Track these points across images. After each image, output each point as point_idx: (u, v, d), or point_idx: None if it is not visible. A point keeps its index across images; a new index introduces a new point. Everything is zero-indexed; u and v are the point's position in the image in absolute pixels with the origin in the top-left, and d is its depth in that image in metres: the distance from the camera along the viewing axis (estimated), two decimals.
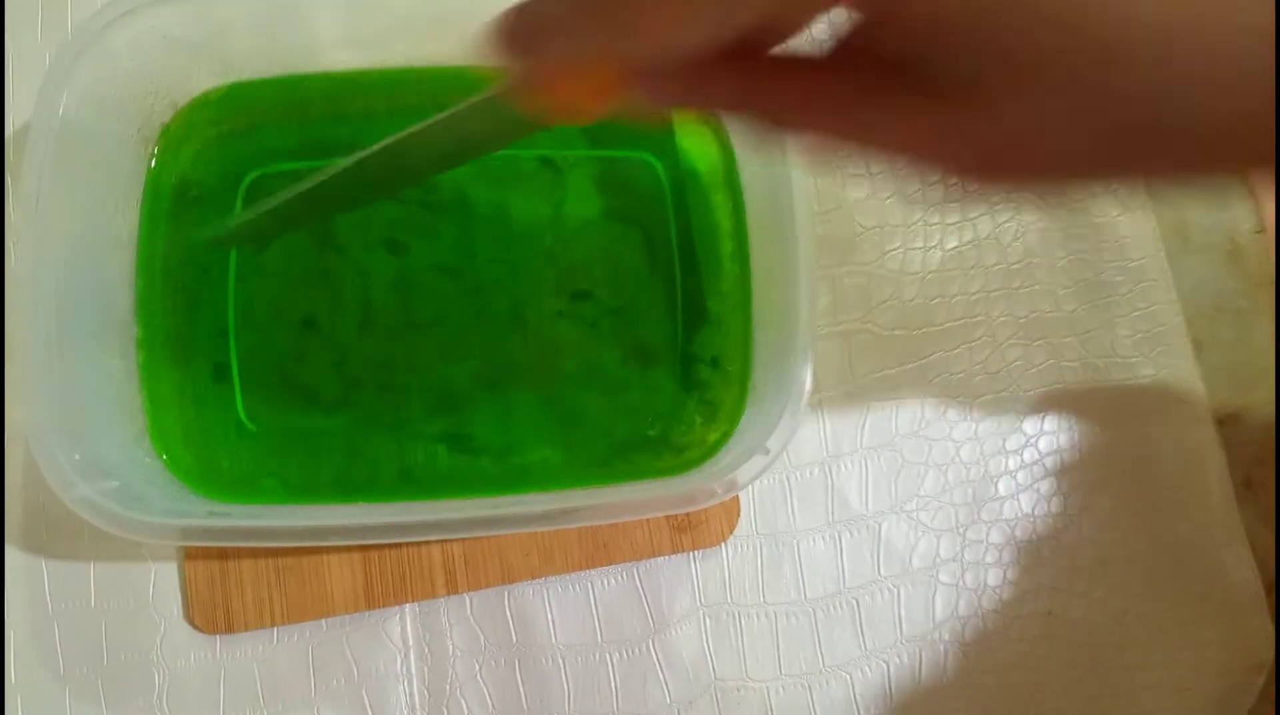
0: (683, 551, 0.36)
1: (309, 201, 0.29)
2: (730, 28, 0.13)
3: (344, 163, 0.27)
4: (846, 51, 0.15)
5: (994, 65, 0.13)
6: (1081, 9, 0.12)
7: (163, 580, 0.35)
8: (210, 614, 0.35)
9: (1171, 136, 0.13)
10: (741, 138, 0.36)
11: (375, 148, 0.26)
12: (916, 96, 0.14)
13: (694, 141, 0.37)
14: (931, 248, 0.39)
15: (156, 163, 0.35)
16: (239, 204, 0.36)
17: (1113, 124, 0.13)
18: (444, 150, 0.26)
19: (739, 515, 0.37)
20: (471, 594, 0.36)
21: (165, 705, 0.34)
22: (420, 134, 0.24)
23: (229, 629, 0.35)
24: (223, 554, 0.35)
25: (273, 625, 0.35)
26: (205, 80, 0.35)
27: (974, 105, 0.14)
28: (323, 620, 0.35)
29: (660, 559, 0.36)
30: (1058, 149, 0.14)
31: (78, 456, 0.29)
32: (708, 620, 0.36)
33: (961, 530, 0.38)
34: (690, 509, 0.30)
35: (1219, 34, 0.12)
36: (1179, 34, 0.12)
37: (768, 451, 0.30)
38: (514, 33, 0.16)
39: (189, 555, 0.35)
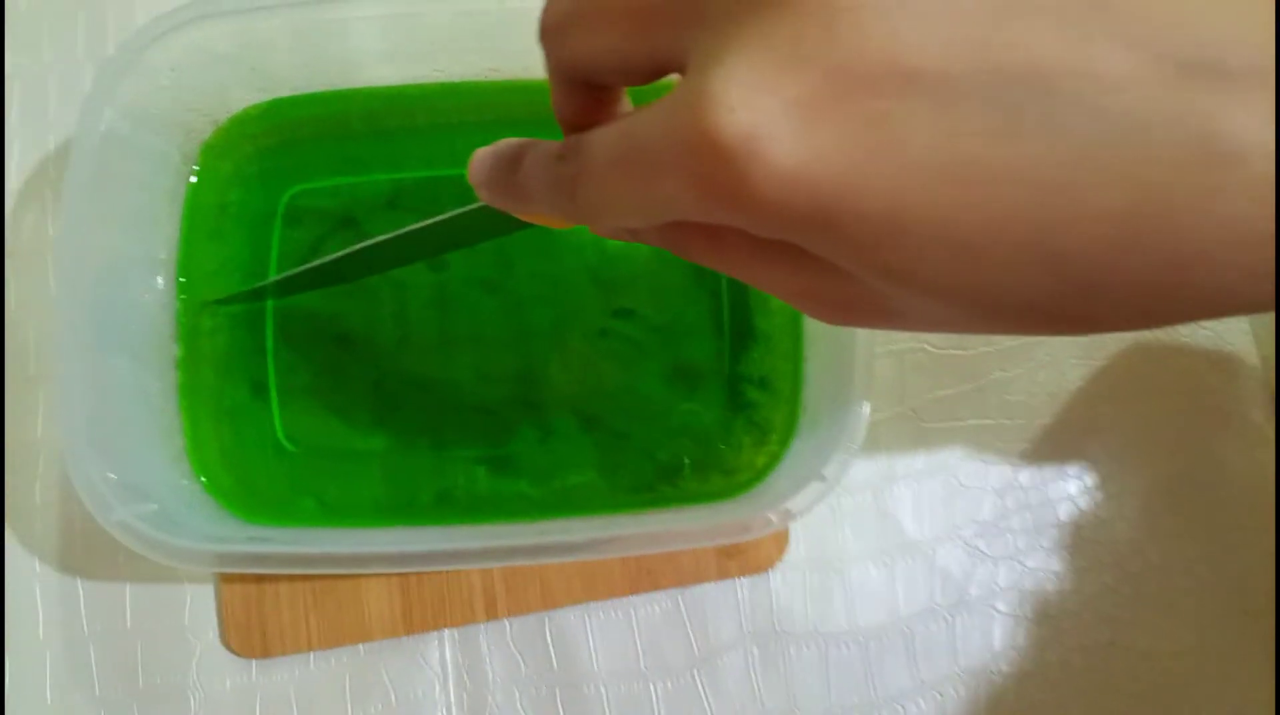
0: (729, 578, 0.35)
1: (334, 269, 0.34)
2: (649, 221, 0.17)
3: (359, 246, 0.32)
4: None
5: (844, 257, 0.15)
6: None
7: (198, 602, 0.34)
8: (246, 637, 0.34)
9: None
10: None
11: (389, 236, 0.31)
12: (797, 265, 0.17)
13: None
14: None
15: (197, 180, 0.35)
16: (278, 221, 0.35)
17: (968, 305, 0.15)
18: (454, 237, 0.32)
19: (788, 541, 0.35)
20: (511, 619, 0.35)
21: None
22: (434, 226, 0.30)
23: (265, 653, 0.34)
24: (259, 577, 0.34)
25: (309, 650, 0.34)
26: (246, 97, 0.35)
27: (825, 270, 0.16)
28: (360, 645, 0.34)
29: (706, 585, 0.35)
30: (911, 313, 0.16)
31: (115, 479, 0.28)
32: (755, 649, 0.35)
33: (1020, 557, 0.36)
34: (744, 538, 0.29)
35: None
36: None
37: (824, 479, 0.29)
38: (486, 184, 0.21)
39: (225, 577, 0.34)
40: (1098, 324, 0.15)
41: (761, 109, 0.14)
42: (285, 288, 0.35)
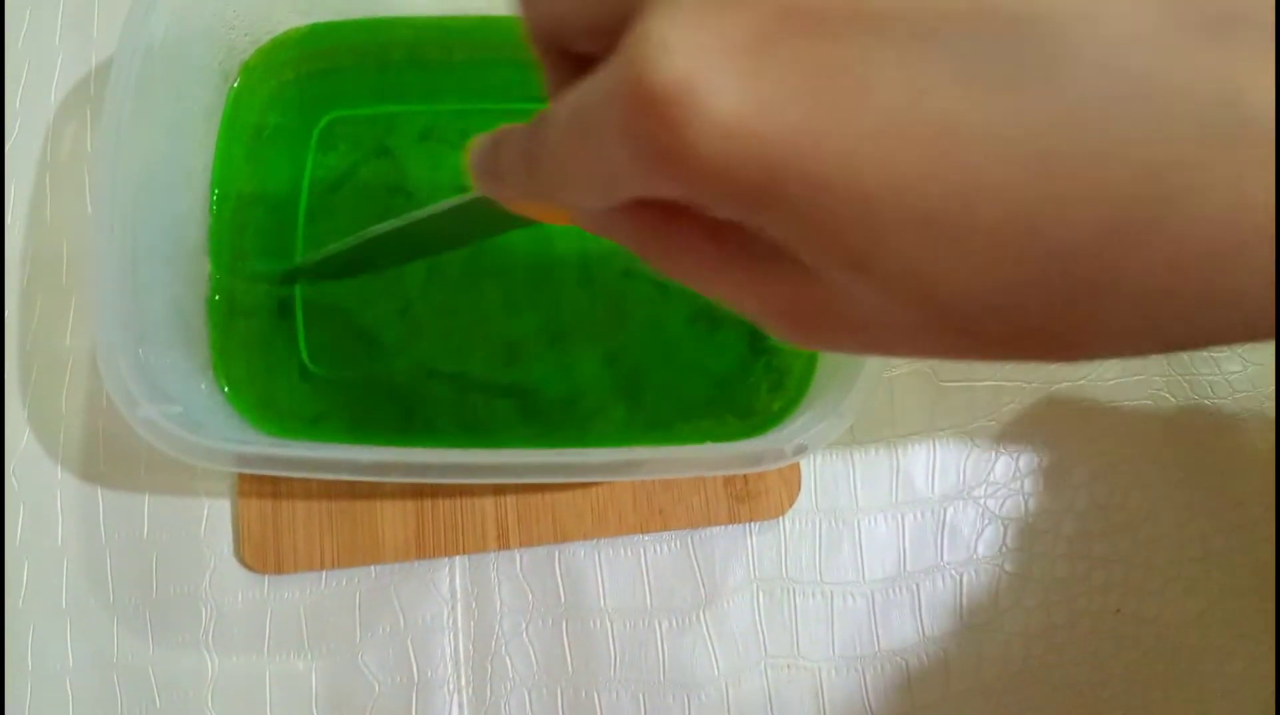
0: (740, 522, 0.35)
1: (353, 257, 0.34)
2: (614, 198, 0.15)
3: (375, 230, 0.32)
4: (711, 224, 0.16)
5: (798, 239, 0.13)
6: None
7: (215, 516, 0.35)
8: (261, 552, 0.34)
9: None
10: None
11: (393, 224, 0.31)
12: (753, 264, 0.15)
13: None
14: None
15: (235, 99, 0.35)
16: (313, 146, 0.36)
17: (933, 315, 0.13)
18: (449, 233, 0.32)
19: (799, 489, 0.36)
20: (522, 550, 0.35)
21: (210, 641, 0.34)
22: (431, 217, 0.29)
23: (278, 569, 0.34)
24: (276, 493, 0.34)
25: (322, 568, 0.34)
26: (289, 18, 0.35)
27: (785, 271, 0.14)
28: (372, 567, 0.35)
29: (716, 528, 0.36)
30: (879, 325, 0.14)
31: (143, 379, 0.29)
32: (761, 595, 0.35)
33: (1031, 519, 0.36)
34: (756, 469, 0.29)
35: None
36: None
37: (842, 416, 0.29)
38: (476, 169, 0.20)
39: (242, 492, 0.34)
40: (1089, 345, 0.13)
41: (701, 50, 0.12)
42: (309, 272, 0.35)
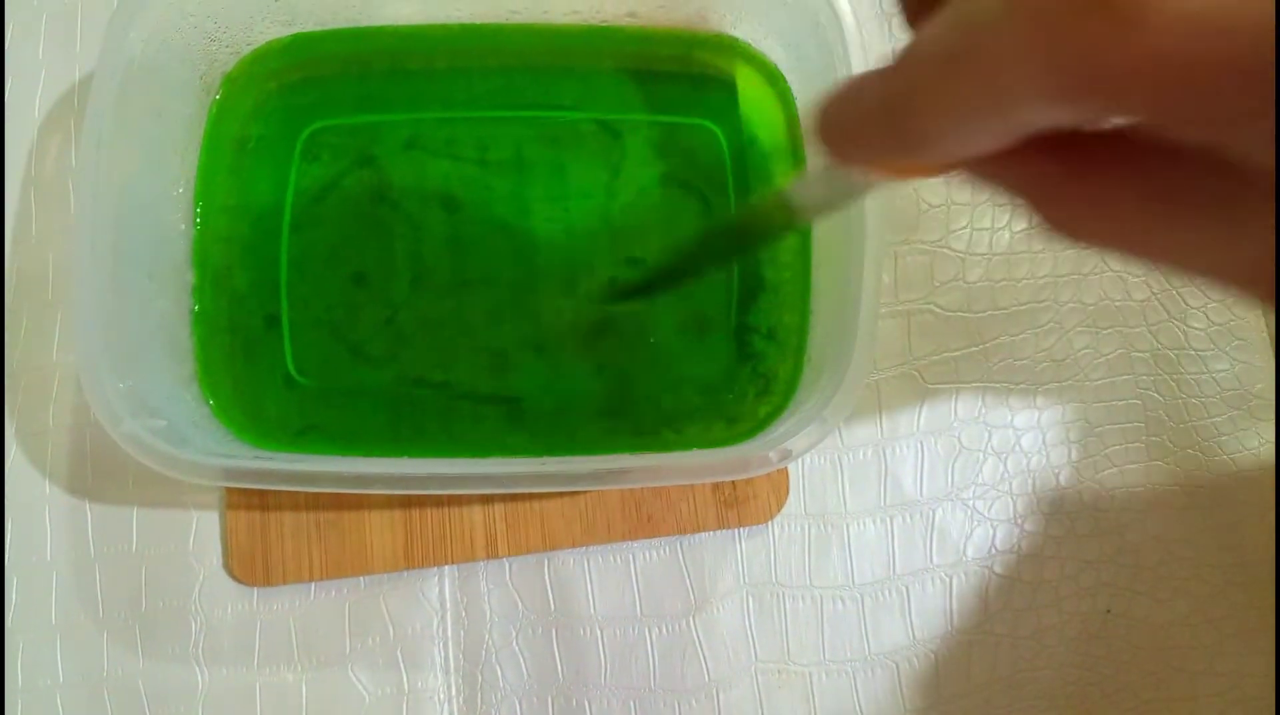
0: (728, 527, 0.35)
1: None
2: (1006, 138, 0.12)
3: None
4: (1153, 146, 0.13)
5: None
6: None
7: (203, 528, 0.35)
8: (249, 565, 0.34)
9: None
10: (806, 107, 0.35)
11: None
12: (1229, 211, 0.12)
13: (757, 109, 0.36)
14: (999, 228, 0.38)
15: (217, 111, 0.35)
16: (297, 156, 0.36)
17: None
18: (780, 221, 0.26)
19: (787, 493, 0.36)
20: (511, 559, 0.35)
21: (200, 654, 0.34)
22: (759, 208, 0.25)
23: (267, 581, 0.34)
24: (264, 505, 0.34)
25: (311, 580, 0.34)
26: (270, 30, 0.35)
27: (1254, 222, 0.11)
28: (361, 577, 0.35)
29: (705, 534, 0.36)
30: None
31: (127, 393, 0.29)
32: (751, 600, 0.35)
33: (1020, 521, 0.36)
34: (742, 476, 0.29)
35: None
36: None
37: (825, 421, 0.29)
38: (826, 134, 0.16)
39: (230, 505, 0.34)
40: None
41: None
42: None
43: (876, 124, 0.14)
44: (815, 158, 0.17)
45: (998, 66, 0.11)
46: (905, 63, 0.13)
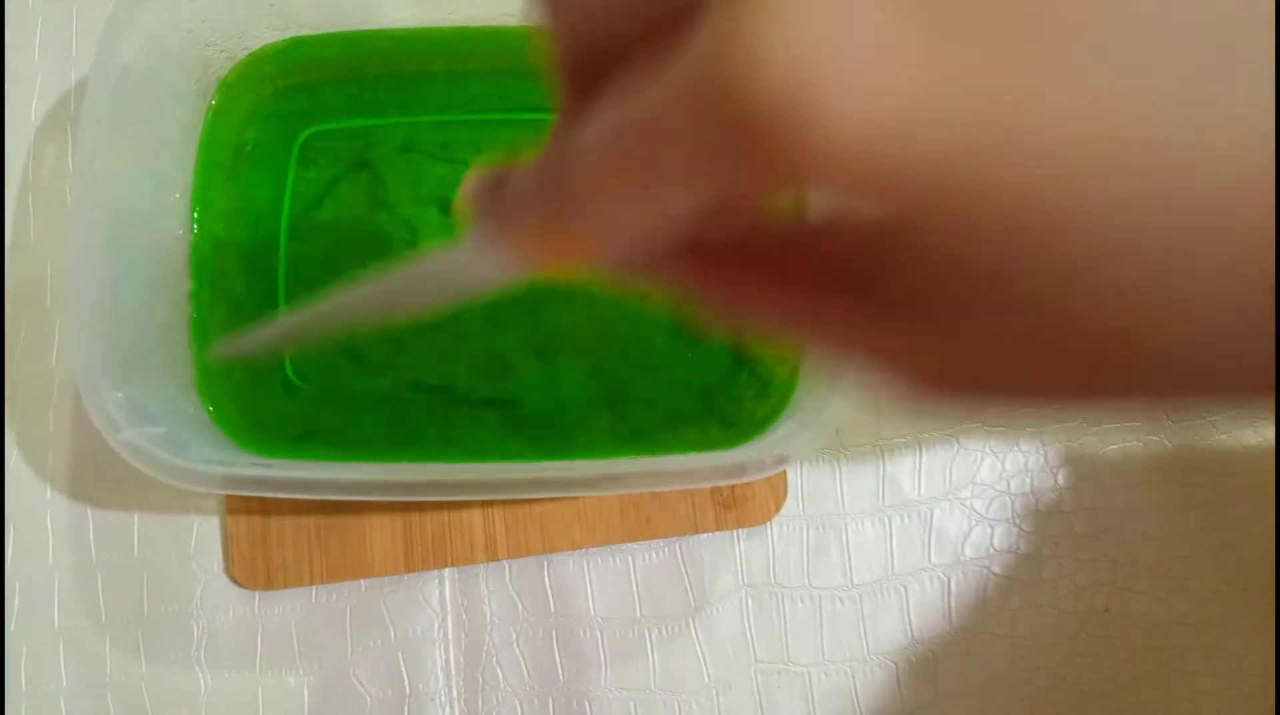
0: (727, 529, 0.35)
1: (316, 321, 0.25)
2: (670, 223, 0.12)
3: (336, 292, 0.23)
4: (801, 245, 0.13)
5: (943, 278, 0.10)
6: (1040, 209, 0.09)
7: (204, 533, 0.35)
8: (250, 569, 0.34)
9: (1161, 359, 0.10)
10: None
11: (361, 286, 0.22)
12: (866, 304, 0.12)
13: None
14: None
15: (213, 116, 0.35)
16: (293, 161, 0.36)
17: (1079, 349, 0.10)
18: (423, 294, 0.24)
19: (785, 494, 0.36)
20: (511, 561, 0.35)
21: (202, 658, 0.34)
22: (402, 275, 0.22)
23: (268, 585, 0.34)
24: (264, 510, 0.34)
25: (312, 584, 0.35)
26: (265, 34, 0.35)
27: (922, 321, 0.12)
28: (361, 581, 0.35)
29: (703, 536, 0.36)
30: (1020, 370, 0.11)
31: (125, 401, 0.29)
32: (750, 600, 0.36)
33: (1018, 520, 0.36)
34: (739, 480, 0.29)
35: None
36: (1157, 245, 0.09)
37: (822, 426, 0.29)
38: (477, 203, 0.16)
39: (231, 509, 0.35)
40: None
41: (831, 11, 0.09)
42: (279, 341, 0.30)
43: (531, 202, 0.14)
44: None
45: (661, 133, 0.10)
46: (566, 145, 0.12)
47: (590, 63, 0.14)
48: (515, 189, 0.15)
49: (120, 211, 0.31)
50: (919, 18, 0.08)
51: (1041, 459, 0.37)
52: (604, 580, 0.35)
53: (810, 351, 0.13)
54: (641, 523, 0.35)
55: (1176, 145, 0.08)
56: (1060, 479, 0.37)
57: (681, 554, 0.36)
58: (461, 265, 0.19)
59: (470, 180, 0.16)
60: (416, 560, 0.35)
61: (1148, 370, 0.10)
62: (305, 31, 0.35)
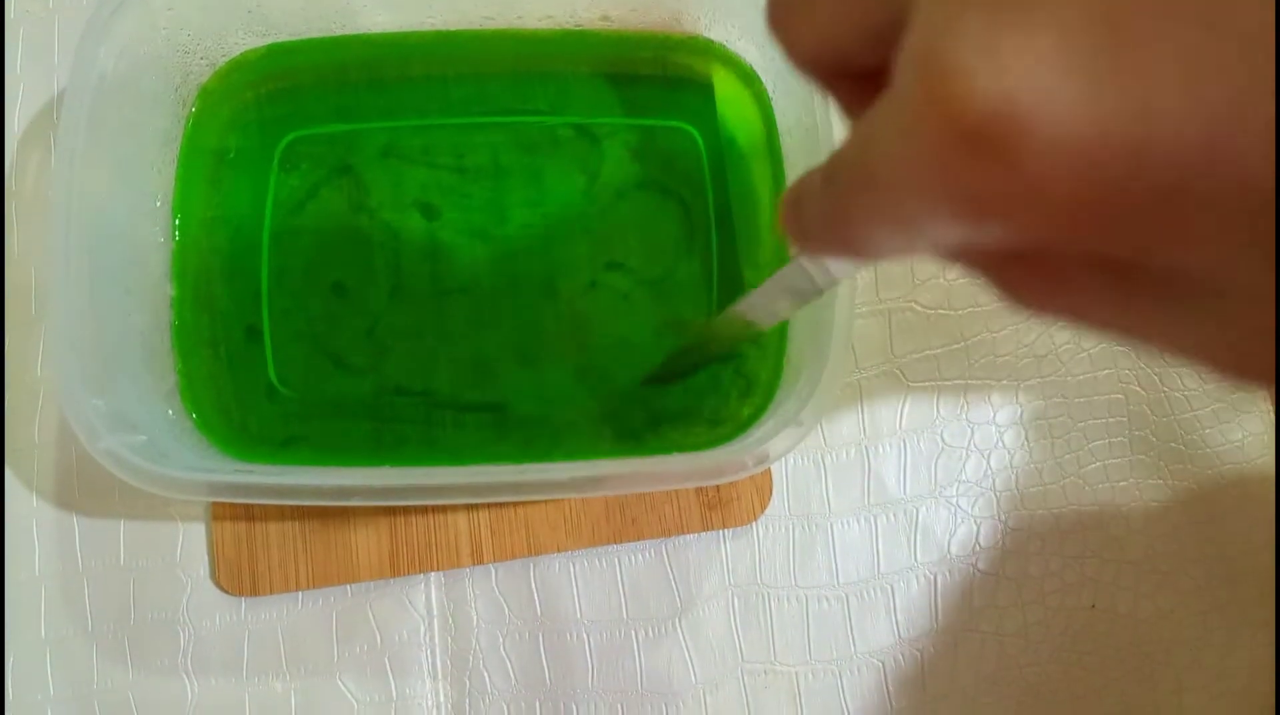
0: (712, 530, 0.35)
1: None
2: (933, 249, 0.13)
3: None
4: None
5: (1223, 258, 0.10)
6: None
7: (190, 540, 0.35)
8: (236, 576, 0.34)
9: None
10: (782, 107, 0.35)
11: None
12: (1158, 299, 0.12)
13: (734, 110, 0.36)
14: None
15: (194, 123, 0.35)
16: (275, 167, 0.36)
17: None
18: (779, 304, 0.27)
19: (771, 494, 0.36)
20: (497, 565, 0.35)
21: (189, 665, 0.34)
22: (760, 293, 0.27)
23: (254, 591, 0.34)
24: (249, 516, 0.34)
25: (298, 589, 0.35)
26: (244, 41, 0.35)
27: (1191, 304, 0.11)
28: (347, 586, 0.35)
29: (689, 536, 0.36)
30: None
31: (106, 409, 0.29)
32: (736, 601, 0.36)
33: (1003, 517, 0.36)
34: (719, 481, 0.29)
35: None
36: None
37: (800, 425, 0.29)
38: (788, 228, 0.17)
39: (216, 516, 0.35)
40: None
41: (1018, 49, 0.09)
42: None
43: (821, 228, 0.15)
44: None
45: (899, 196, 0.11)
46: (832, 175, 0.14)
47: (828, 66, 0.15)
48: (806, 214, 0.16)
49: (100, 220, 0.31)
50: (1100, 53, 0.09)
51: (1028, 456, 0.37)
52: (590, 582, 0.35)
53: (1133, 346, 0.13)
54: (627, 524, 0.35)
55: None
56: (1046, 476, 0.37)
57: (667, 555, 0.36)
58: (794, 277, 0.24)
59: (784, 198, 0.17)
60: (402, 565, 0.35)
61: None
62: (285, 37, 0.35)
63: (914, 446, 0.37)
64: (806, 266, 0.23)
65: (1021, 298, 0.14)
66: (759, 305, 0.27)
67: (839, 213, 0.14)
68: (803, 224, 0.16)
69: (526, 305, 0.35)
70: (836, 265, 0.22)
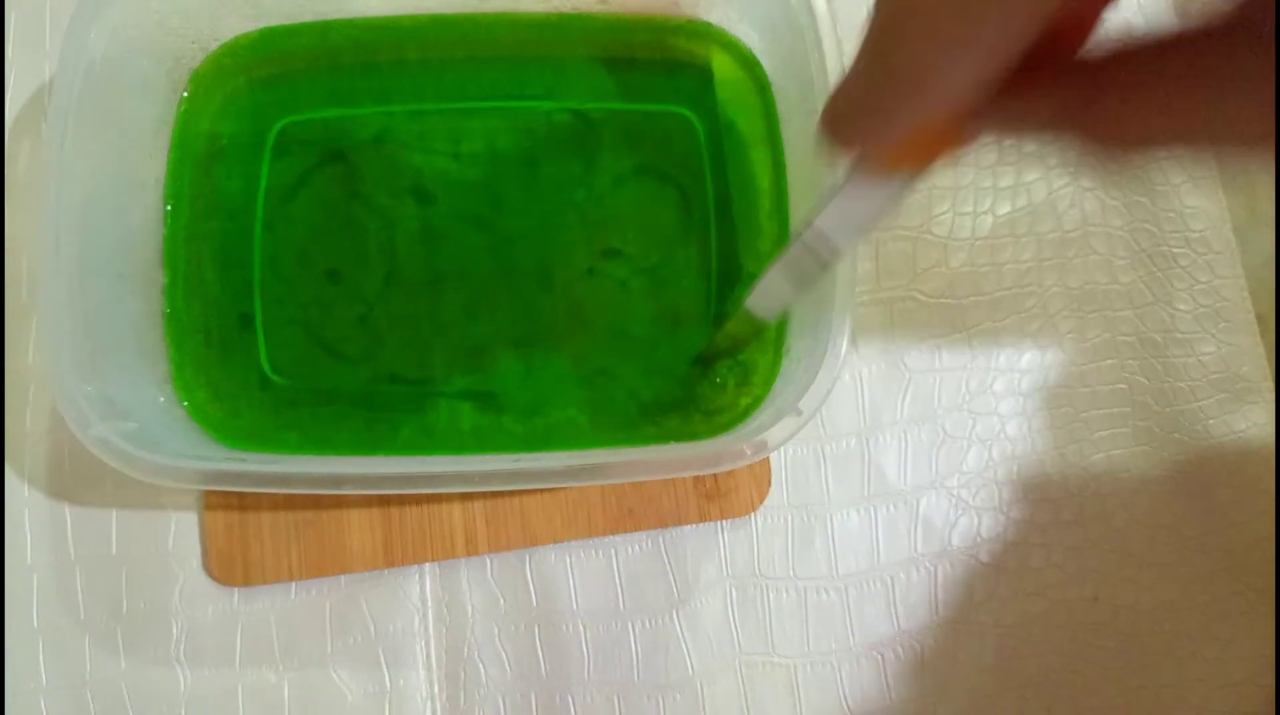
0: (710, 520, 0.35)
1: None
2: (995, 51, 0.12)
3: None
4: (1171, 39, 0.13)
5: None
6: None
7: (182, 530, 0.35)
8: (229, 565, 0.34)
9: None
10: (783, 92, 0.35)
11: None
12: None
13: (733, 95, 0.36)
14: (982, 213, 0.37)
15: (185, 108, 0.35)
16: (267, 152, 0.35)
17: None
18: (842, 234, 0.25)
19: (769, 485, 0.35)
20: (492, 556, 0.35)
21: (182, 655, 0.34)
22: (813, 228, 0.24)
23: (247, 581, 0.34)
24: (242, 505, 0.34)
25: (291, 580, 0.34)
26: (237, 25, 0.35)
27: None
28: (341, 576, 0.34)
29: (687, 527, 0.35)
30: None
31: (96, 396, 0.29)
32: (734, 592, 0.35)
33: (1005, 509, 0.36)
34: (717, 469, 0.29)
35: None
36: None
37: (799, 413, 0.28)
38: (831, 124, 0.16)
39: (208, 505, 0.34)
40: None
41: None
42: None
43: (871, 96, 0.14)
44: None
45: None
46: (877, 28, 0.13)
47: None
48: (850, 95, 0.15)
49: (90, 206, 0.31)
50: None
51: (1029, 446, 0.36)
52: (586, 573, 0.35)
53: (1207, 155, 0.12)
54: (624, 515, 0.35)
55: None
56: (1048, 466, 0.36)
57: (665, 546, 0.35)
58: (858, 198, 0.20)
59: (819, 121, 0.16)
60: (397, 555, 0.34)
61: None
62: (278, 21, 0.35)
63: (915, 437, 0.36)
64: (809, 241, 0.22)
65: (1107, 132, 0.13)
66: (764, 293, 0.27)
67: (890, 55, 0.13)
68: (852, 101, 0.15)
69: (523, 293, 0.35)
70: (840, 232, 0.20)
